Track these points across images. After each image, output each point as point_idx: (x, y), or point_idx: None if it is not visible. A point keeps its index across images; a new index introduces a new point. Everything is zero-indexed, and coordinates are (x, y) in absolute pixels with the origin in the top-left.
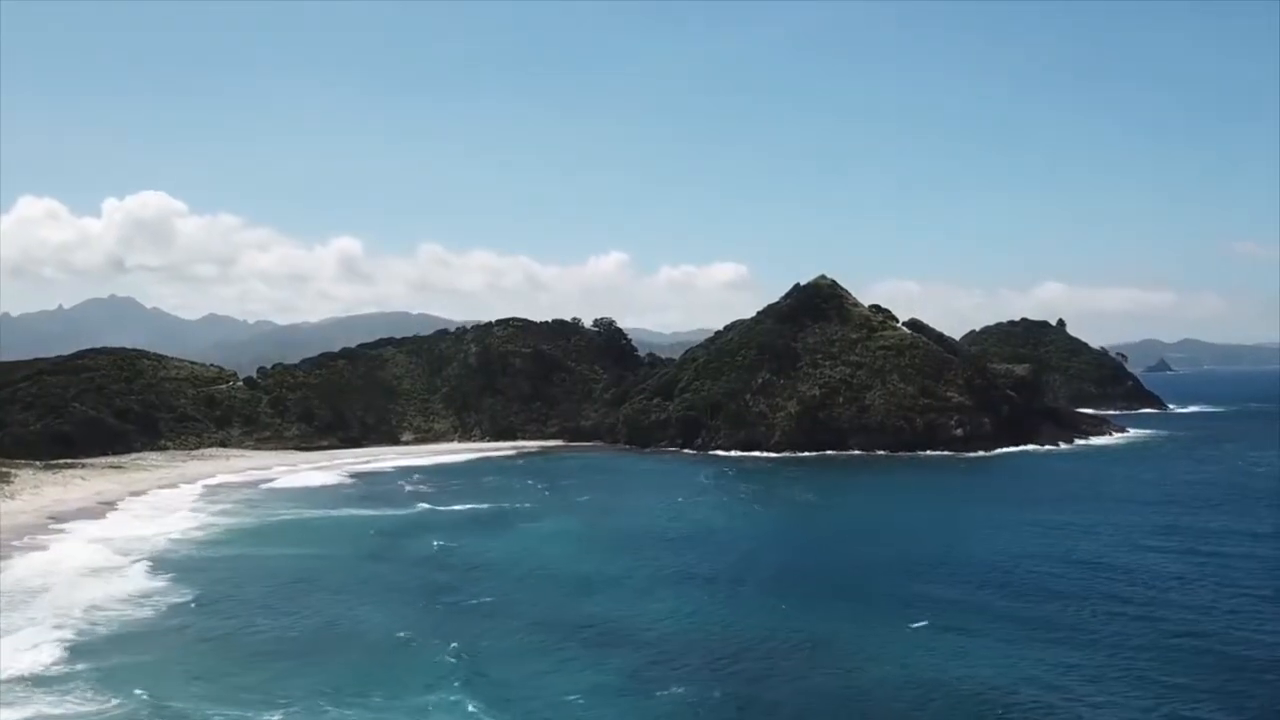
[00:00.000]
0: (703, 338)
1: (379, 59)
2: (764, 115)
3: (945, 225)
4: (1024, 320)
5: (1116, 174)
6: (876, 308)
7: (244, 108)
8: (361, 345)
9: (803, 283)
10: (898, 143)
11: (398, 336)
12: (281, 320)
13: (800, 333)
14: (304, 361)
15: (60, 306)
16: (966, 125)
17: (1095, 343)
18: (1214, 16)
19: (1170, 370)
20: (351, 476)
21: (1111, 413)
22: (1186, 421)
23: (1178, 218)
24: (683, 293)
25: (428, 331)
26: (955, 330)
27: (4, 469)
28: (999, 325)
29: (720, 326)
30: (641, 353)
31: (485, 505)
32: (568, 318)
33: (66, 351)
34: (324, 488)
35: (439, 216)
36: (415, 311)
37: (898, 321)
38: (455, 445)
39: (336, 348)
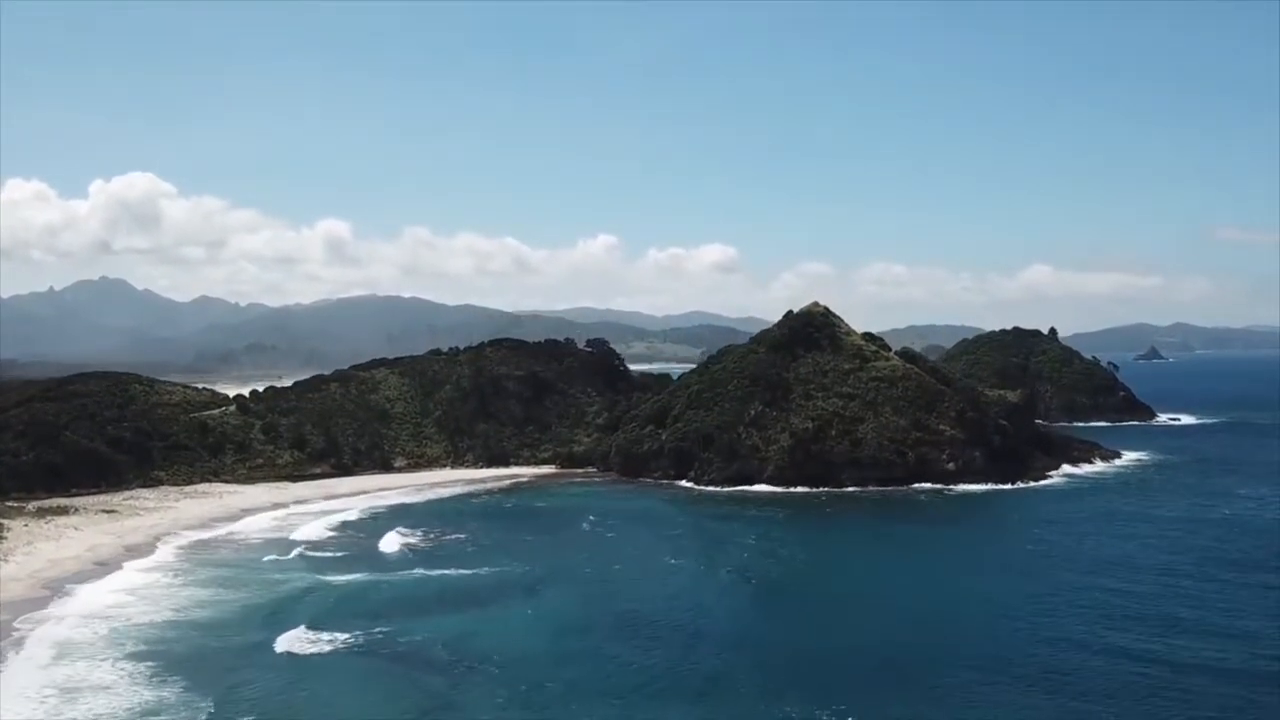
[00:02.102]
0: (694, 322)
1: (363, 43)
2: (753, 98)
3: (933, 209)
4: (1015, 329)
5: (1102, 159)
6: (869, 336)
7: (229, 91)
8: (354, 366)
9: (795, 309)
10: (887, 127)
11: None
12: (273, 302)
13: (793, 363)
14: (296, 384)
15: (51, 288)
16: (955, 111)
17: (1088, 327)
18: (1201, 5)
19: (1161, 358)
20: (333, 529)
21: (1103, 424)
22: (1179, 441)
23: (1162, 203)
24: (672, 275)
25: (420, 314)
26: (944, 317)
27: None
28: (991, 334)
29: (711, 309)
30: (633, 338)
31: (482, 570)
32: (560, 305)
33: (60, 332)
34: (311, 543)
35: (425, 199)
36: (407, 295)
37: (890, 351)
38: (449, 474)
39: (332, 330)
